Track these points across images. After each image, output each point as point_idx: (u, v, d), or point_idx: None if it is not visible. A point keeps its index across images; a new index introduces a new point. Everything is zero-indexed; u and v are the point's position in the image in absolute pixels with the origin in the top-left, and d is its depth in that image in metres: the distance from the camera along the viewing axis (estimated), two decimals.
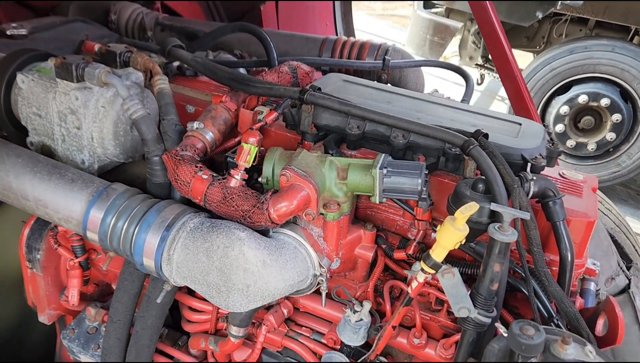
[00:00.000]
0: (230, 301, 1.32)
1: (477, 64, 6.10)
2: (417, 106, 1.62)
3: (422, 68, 2.53)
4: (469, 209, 1.10)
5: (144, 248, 1.35)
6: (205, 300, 1.66)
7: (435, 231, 1.45)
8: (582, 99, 4.95)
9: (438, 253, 1.16)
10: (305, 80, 1.96)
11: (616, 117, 4.92)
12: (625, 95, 4.96)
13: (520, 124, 1.57)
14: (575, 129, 5.21)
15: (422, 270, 1.20)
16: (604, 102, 4.91)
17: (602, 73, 4.88)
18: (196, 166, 1.39)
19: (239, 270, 1.27)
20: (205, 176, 1.37)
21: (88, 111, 1.56)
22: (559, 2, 4.96)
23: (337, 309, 1.55)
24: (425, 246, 1.50)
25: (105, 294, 2.07)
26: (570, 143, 5.20)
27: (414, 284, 1.23)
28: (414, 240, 1.45)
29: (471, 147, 1.32)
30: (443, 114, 1.57)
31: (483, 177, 1.32)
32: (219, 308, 1.64)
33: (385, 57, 2.26)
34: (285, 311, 1.55)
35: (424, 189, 1.34)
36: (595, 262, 1.52)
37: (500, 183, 1.26)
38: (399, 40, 7.15)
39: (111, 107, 1.57)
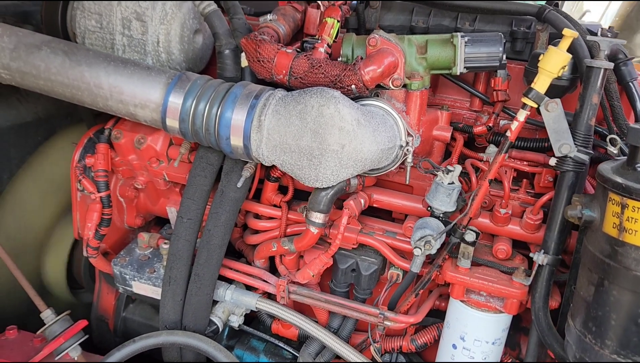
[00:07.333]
0: (321, 169, 1.30)
1: None
2: None
3: None
4: (572, 33, 1.15)
5: (232, 120, 1.33)
6: (274, 205, 1.64)
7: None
8: None
9: (542, 82, 1.19)
10: None
11: None
12: None
13: None
14: None
15: (523, 106, 1.22)
16: None
17: None
18: (277, 44, 1.40)
19: (334, 129, 1.26)
20: (289, 50, 1.38)
21: (155, 12, 1.56)
22: None
23: (412, 200, 1.54)
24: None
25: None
26: None
27: (514, 125, 1.25)
28: (493, 112, 1.49)
29: (548, 11, 1.39)
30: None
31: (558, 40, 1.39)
32: (288, 212, 1.61)
33: None
34: (362, 201, 1.52)
35: (504, 56, 1.39)
36: None
37: (580, 38, 1.33)
38: None
39: (179, 9, 1.58)
